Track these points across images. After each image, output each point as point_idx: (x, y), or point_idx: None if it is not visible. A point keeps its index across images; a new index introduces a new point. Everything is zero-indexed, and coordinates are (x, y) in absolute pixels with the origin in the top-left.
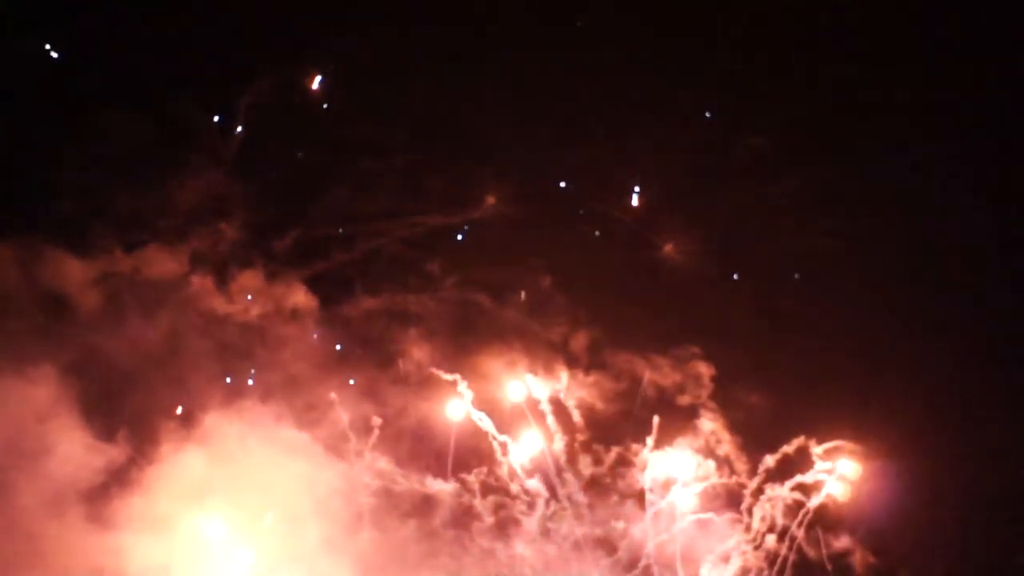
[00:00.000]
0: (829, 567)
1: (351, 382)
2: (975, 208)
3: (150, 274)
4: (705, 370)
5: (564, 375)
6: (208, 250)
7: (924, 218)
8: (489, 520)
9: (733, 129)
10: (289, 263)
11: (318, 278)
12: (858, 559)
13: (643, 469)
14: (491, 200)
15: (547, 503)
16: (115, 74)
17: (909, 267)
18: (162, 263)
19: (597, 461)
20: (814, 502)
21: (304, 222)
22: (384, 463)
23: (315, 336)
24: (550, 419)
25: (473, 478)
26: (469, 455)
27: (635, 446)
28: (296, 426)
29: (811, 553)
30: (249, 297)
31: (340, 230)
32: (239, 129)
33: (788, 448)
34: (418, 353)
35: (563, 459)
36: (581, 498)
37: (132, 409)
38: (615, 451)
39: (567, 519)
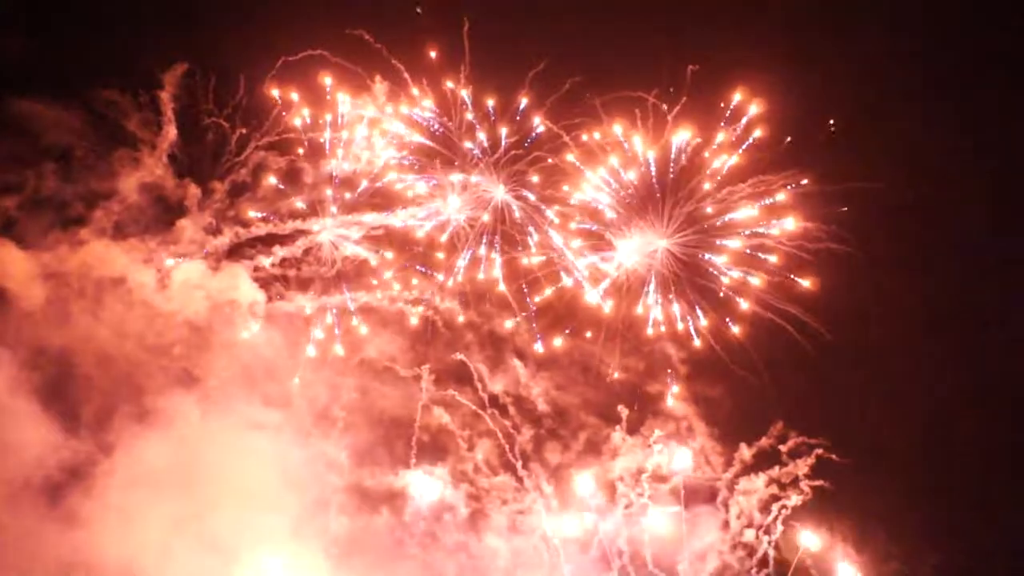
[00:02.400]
0: (809, 563)
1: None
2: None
3: (93, 270)
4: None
5: (519, 364)
6: (154, 245)
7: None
8: (453, 513)
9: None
10: (233, 257)
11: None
12: (838, 554)
13: (613, 458)
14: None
15: (515, 495)
16: (41, 67)
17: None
18: (102, 258)
19: (565, 452)
20: (793, 500)
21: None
22: (345, 457)
23: (270, 334)
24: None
25: (436, 472)
26: (432, 449)
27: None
28: (260, 418)
29: (789, 549)
30: (194, 290)
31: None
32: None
33: (764, 442)
34: (377, 348)
35: (529, 449)
36: (548, 489)
37: (92, 403)
38: (583, 443)
39: (537, 512)
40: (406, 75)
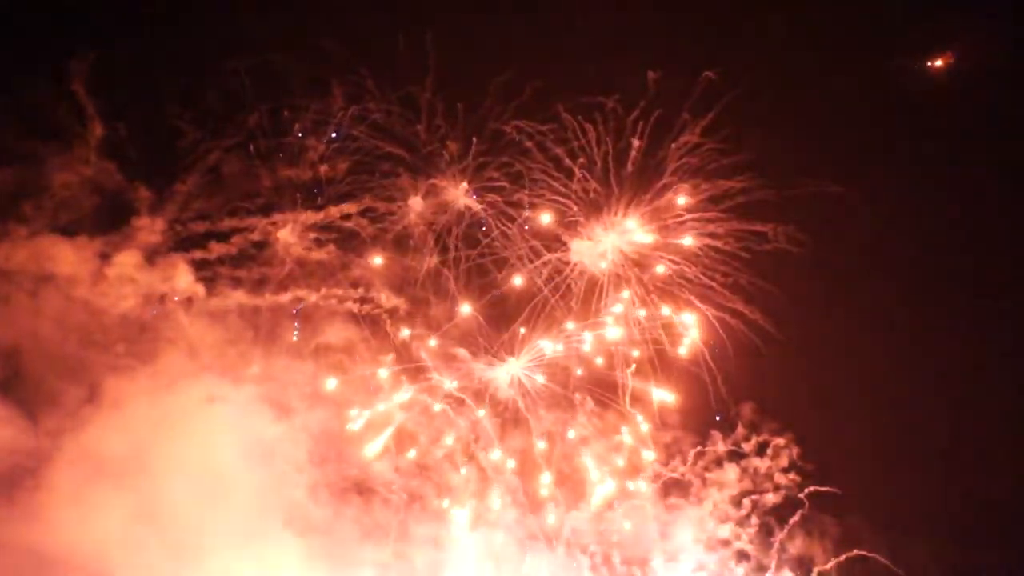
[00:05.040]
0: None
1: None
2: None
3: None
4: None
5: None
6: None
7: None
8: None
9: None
10: (174, 249)
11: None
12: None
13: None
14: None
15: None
16: None
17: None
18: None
19: (529, 445)
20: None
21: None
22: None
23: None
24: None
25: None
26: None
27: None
28: (209, 409)
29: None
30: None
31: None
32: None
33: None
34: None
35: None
36: (512, 480)
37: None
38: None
39: (504, 507)
40: (370, 81)
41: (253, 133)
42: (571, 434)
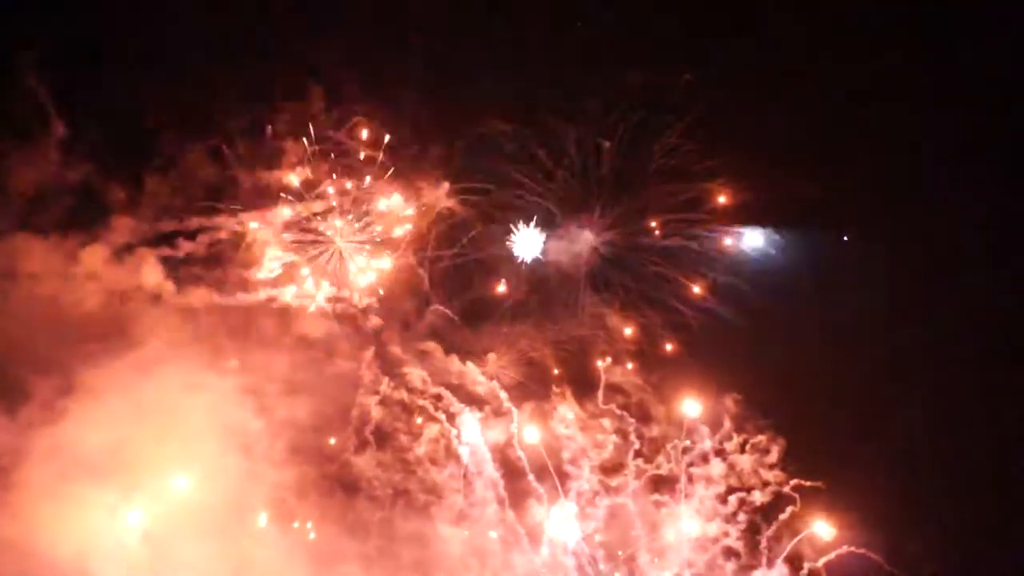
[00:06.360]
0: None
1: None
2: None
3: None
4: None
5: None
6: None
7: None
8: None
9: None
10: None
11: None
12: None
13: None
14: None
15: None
16: None
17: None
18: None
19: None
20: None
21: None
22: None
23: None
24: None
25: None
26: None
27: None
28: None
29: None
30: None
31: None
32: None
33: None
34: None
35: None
36: (495, 477)
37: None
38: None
39: (487, 503)
40: (354, 84)
41: (232, 134)
42: (552, 430)
